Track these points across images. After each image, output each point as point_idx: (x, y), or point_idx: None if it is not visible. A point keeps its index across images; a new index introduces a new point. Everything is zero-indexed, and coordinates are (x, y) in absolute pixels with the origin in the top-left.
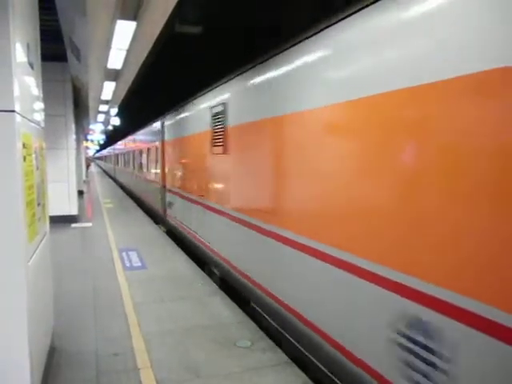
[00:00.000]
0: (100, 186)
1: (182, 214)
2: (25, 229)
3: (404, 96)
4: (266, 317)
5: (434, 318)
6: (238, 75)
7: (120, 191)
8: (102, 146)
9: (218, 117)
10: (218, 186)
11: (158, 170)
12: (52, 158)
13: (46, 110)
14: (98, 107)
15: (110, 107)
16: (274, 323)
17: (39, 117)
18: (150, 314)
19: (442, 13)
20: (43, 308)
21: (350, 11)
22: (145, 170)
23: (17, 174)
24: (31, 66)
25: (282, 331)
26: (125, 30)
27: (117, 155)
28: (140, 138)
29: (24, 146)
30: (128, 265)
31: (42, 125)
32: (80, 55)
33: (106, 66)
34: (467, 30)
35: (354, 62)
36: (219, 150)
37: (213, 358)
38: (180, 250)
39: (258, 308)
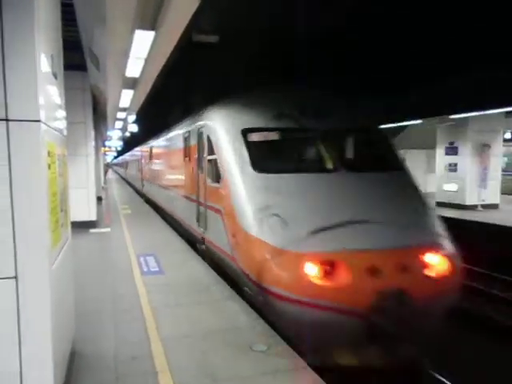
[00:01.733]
0: (118, 192)
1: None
2: (49, 234)
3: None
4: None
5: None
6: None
7: (138, 197)
8: (120, 153)
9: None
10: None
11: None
12: (72, 164)
13: (66, 117)
14: (115, 114)
15: (127, 114)
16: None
17: (62, 125)
18: (167, 319)
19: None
20: (65, 312)
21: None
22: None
23: (42, 182)
24: (55, 76)
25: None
26: (143, 40)
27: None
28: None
29: (48, 154)
30: (146, 270)
31: (65, 133)
32: (99, 64)
33: (124, 75)
34: None
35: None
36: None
37: (229, 362)
38: (196, 255)
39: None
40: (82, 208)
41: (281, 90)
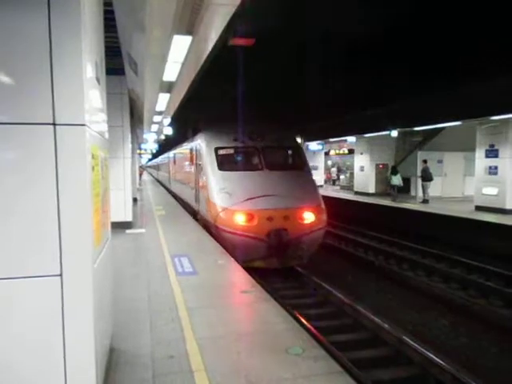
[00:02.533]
0: (152, 194)
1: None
2: (92, 234)
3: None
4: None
5: (197, 193)
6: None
7: (172, 199)
8: (154, 155)
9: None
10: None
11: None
12: (110, 166)
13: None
14: (152, 118)
15: (163, 117)
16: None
17: (104, 128)
18: (202, 319)
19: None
20: (105, 309)
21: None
22: None
23: (86, 184)
24: (98, 81)
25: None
26: (180, 44)
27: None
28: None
29: (92, 156)
30: (180, 270)
31: (106, 136)
32: (137, 69)
33: (161, 79)
34: None
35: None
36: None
37: (264, 364)
38: (229, 256)
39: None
40: (119, 209)
41: (238, 124)
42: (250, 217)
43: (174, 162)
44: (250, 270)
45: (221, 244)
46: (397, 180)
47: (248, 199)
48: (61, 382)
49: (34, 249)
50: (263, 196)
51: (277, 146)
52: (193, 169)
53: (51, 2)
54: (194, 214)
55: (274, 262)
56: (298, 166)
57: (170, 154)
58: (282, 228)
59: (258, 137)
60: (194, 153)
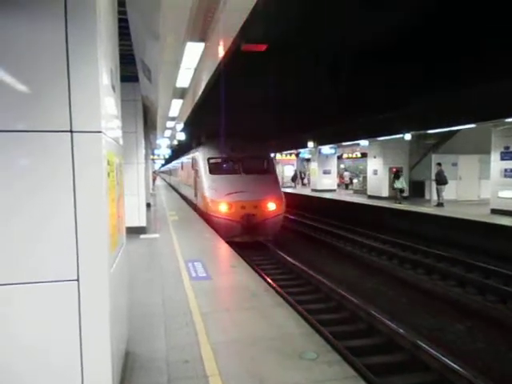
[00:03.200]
0: (165, 199)
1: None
2: (108, 239)
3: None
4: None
5: (195, 191)
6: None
7: (184, 204)
8: (167, 161)
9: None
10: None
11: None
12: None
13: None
14: (165, 123)
15: (176, 123)
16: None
17: (119, 135)
18: (216, 324)
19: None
20: (121, 314)
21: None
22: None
23: (103, 190)
24: (113, 88)
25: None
26: (193, 51)
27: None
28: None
29: (108, 163)
30: (194, 275)
31: (121, 142)
32: (151, 76)
33: (174, 85)
34: None
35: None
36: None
37: (279, 368)
38: (243, 261)
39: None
40: (133, 214)
41: (225, 139)
42: (230, 206)
43: (182, 168)
44: (262, 274)
45: (211, 226)
46: (400, 184)
47: (228, 194)
48: None
49: (51, 254)
50: (240, 192)
51: (252, 156)
52: (193, 173)
53: (68, 11)
54: (194, 207)
55: (247, 238)
56: (267, 170)
57: (179, 161)
58: (251, 214)
59: (238, 149)
60: (193, 161)
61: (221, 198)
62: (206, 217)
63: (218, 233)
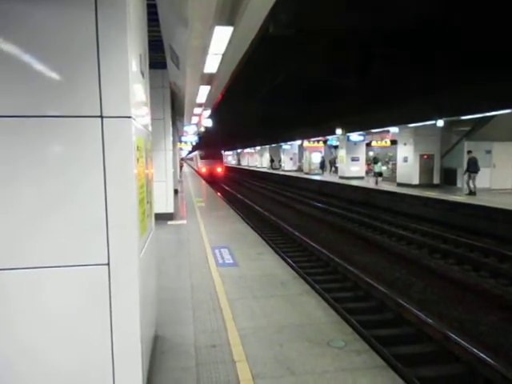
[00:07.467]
0: (192, 185)
1: None
2: (138, 224)
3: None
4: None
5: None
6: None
7: (211, 190)
8: (194, 148)
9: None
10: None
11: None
12: (152, 158)
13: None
14: (192, 110)
15: (203, 110)
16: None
17: (148, 121)
18: (243, 310)
19: None
20: (150, 298)
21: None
22: None
23: (132, 175)
24: (142, 74)
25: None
26: (222, 36)
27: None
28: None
29: (137, 148)
30: (220, 261)
31: (150, 129)
32: (179, 62)
33: (202, 71)
34: None
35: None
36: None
37: (306, 355)
38: (270, 248)
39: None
40: (161, 200)
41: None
42: (205, 169)
43: (194, 158)
44: (290, 262)
45: (199, 175)
46: (378, 168)
47: (204, 165)
48: (108, 367)
49: (82, 238)
50: (209, 165)
51: (214, 154)
52: (198, 159)
53: None
54: (197, 172)
55: (210, 180)
56: (220, 159)
57: (196, 153)
58: (212, 171)
59: (209, 152)
60: (198, 155)
61: (202, 167)
62: (198, 171)
63: (202, 176)
